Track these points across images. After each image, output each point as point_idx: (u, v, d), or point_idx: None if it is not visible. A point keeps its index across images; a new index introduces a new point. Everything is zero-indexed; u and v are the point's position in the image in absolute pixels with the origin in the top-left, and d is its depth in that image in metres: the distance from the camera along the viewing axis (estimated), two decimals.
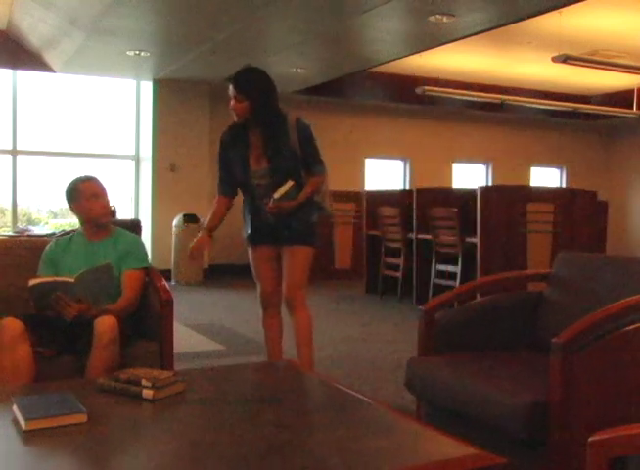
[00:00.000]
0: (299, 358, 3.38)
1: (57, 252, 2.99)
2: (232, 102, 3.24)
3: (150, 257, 9.32)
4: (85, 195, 2.95)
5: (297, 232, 3.34)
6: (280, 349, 3.54)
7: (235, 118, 3.29)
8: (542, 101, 10.19)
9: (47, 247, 3.06)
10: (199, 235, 3.52)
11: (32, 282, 2.65)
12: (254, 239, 3.46)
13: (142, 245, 3.09)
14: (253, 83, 3.24)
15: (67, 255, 2.94)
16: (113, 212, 8.03)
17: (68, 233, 3.19)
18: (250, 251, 3.51)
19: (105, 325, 2.58)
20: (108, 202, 3.03)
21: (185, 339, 5.05)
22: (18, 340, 2.57)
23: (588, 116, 11.20)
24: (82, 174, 3.07)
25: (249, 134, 3.31)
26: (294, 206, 3.27)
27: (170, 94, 9.10)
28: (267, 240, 3.41)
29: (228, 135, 3.40)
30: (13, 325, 2.59)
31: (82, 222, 3.06)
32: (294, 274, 3.37)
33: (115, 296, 2.85)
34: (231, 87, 3.23)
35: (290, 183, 3.22)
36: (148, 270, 3.03)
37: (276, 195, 3.20)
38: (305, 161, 3.31)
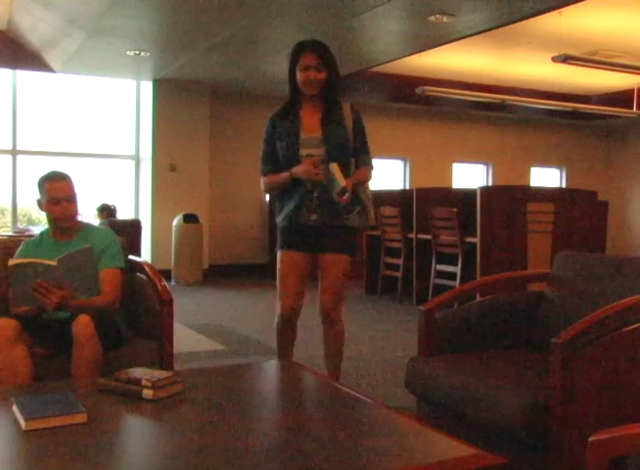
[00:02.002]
0: (328, 368, 3.28)
1: (27, 253, 2.88)
2: (311, 72, 3.01)
3: (150, 257, 9.32)
4: (47, 196, 2.83)
5: (339, 238, 3.11)
6: (291, 349, 3.42)
7: (306, 90, 3.06)
8: (542, 101, 10.19)
9: (17, 250, 2.96)
10: (298, 168, 3.05)
11: (13, 261, 2.59)
12: (289, 242, 3.18)
13: (116, 241, 2.96)
14: (332, 55, 3.11)
15: (38, 256, 2.80)
16: (112, 212, 8.08)
17: (34, 236, 3.08)
18: (279, 254, 3.22)
19: (80, 325, 2.57)
20: (71, 205, 2.86)
21: (185, 339, 5.05)
22: (14, 340, 2.56)
23: (588, 116, 11.19)
24: (54, 170, 2.92)
25: (299, 111, 3.13)
26: (353, 184, 3.00)
27: (170, 94, 9.10)
28: (303, 246, 3.16)
29: (277, 113, 3.20)
30: (9, 325, 2.58)
31: (48, 221, 2.95)
32: (335, 286, 3.13)
33: (95, 294, 2.78)
34: (310, 56, 3.02)
35: (335, 166, 2.98)
36: (124, 269, 2.94)
37: (331, 168, 2.95)
38: (356, 150, 3.13)
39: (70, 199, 2.86)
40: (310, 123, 3.09)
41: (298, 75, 3.05)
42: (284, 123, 3.13)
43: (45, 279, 2.56)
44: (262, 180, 3.24)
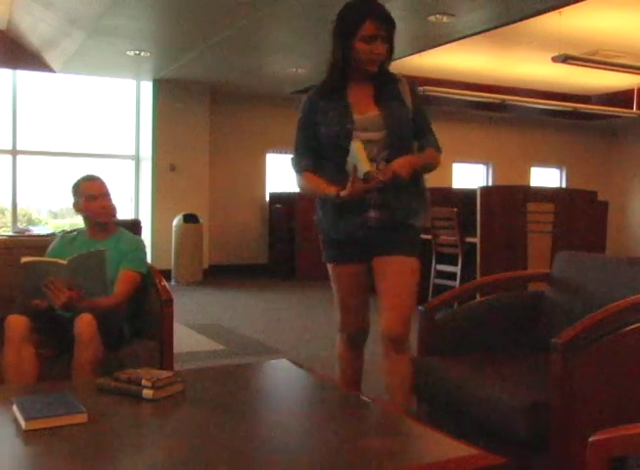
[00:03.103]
0: (392, 401, 2.50)
1: (61, 247, 3.01)
2: (378, 45, 2.39)
3: (150, 257, 9.35)
4: (84, 195, 2.98)
5: (403, 237, 2.47)
6: (358, 382, 2.76)
7: (367, 67, 2.43)
8: (542, 101, 10.19)
9: (52, 242, 3.09)
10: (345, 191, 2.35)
11: (25, 259, 2.65)
12: (340, 254, 2.56)
13: (143, 248, 3.08)
14: (394, 22, 2.46)
15: (69, 251, 2.93)
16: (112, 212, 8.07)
17: (73, 231, 3.19)
18: (329, 268, 2.65)
19: (83, 323, 2.59)
20: (109, 202, 3.03)
21: (185, 339, 5.05)
22: (24, 338, 2.59)
23: (588, 116, 11.19)
24: (88, 173, 3.11)
25: (347, 91, 2.49)
26: (416, 165, 2.40)
27: (170, 94, 9.10)
28: (359, 256, 2.54)
29: (319, 93, 2.53)
30: (20, 322, 2.62)
31: (84, 220, 3.09)
32: (403, 299, 2.43)
33: (109, 294, 2.83)
34: (377, 24, 2.38)
35: (359, 145, 2.42)
36: (144, 276, 3.00)
37: (354, 147, 2.37)
38: (418, 130, 2.52)
39: (107, 196, 3.02)
40: (363, 102, 2.46)
41: (360, 47, 2.38)
42: (330, 104, 2.48)
43: (57, 277, 2.60)
44: (298, 178, 2.59)
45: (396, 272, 2.44)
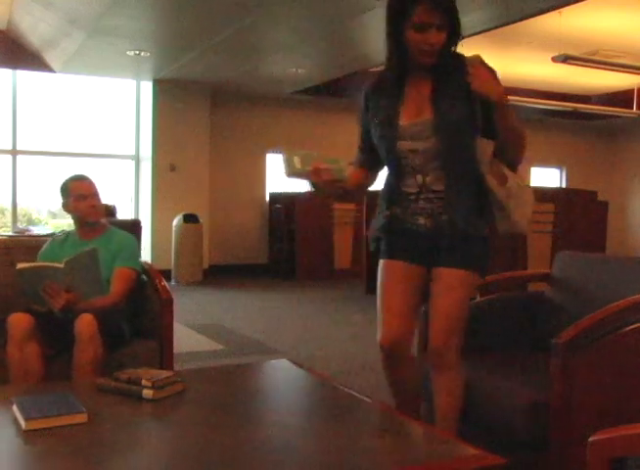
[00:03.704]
0: (439, 425, 2.23)
1: (52, 251, 3.00)
2: (431, 34, 2.08)
3: (150, 257, 9.32)
4: (73, 194, 2.98)
5: (461, 248, 2.20)
6: (408, 390, 2.38)
7: (421, 59, 2.13)
8: (542, 101, 10.19)
9: (43, 246, 3.07)
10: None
11: (20, 266, 2.65)
12: (391, 248, 2.34)
13: (135, 245, 3.07)
14: (454, 7, 2.13)
15: (61, 253, 2.92)
16: (112, 212, 8.09)
17: (62, 233, 3.19)
18: (380, 265, 2.41)
19: (83, 323, 2.59)
20: (97, 202, 3.01)
21: (185, 339, 5.05)
22: (28, 336, 2.59)
23: (588, 116, 11.19)
24: (76, 173, 3.09)
25: (404, 85, 2.22)
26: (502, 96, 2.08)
27: (170, 94, 9.10)
28: (412, 255, 2.29)
29: (373, 86, 2.31)
30: (24, 320, 2.62)
31: (74, 221, 3.07)
32: (449, 315, 2.20)
33: (105, 293, 2.83)
34: (429, 10, 2.05)
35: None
36: (138, 272, 3.00)
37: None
38: (489, 123, 2.14)
39: (95, 196, 3.00)
40: (415, 103, 2.19)
41: (411, 37, 2.10)
42: (382, 99, 2.25)
43: (54, 281, 2.60)
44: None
45: (445, 287, 2.22)
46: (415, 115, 2.18)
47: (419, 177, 2.20)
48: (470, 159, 2.16)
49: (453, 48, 2.19)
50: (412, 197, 2.24)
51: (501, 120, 2.11)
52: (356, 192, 2.53)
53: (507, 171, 2.18)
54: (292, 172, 2.15)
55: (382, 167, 2.37)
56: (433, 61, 2.14)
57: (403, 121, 2.18)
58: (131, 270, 2.94)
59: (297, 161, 2.14)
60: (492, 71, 2.18)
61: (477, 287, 2.35)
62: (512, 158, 2.19)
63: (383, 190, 2.35)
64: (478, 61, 2.18)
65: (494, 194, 2.17)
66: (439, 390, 2.24)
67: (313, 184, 2.19)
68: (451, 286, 2.21)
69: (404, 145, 2.19)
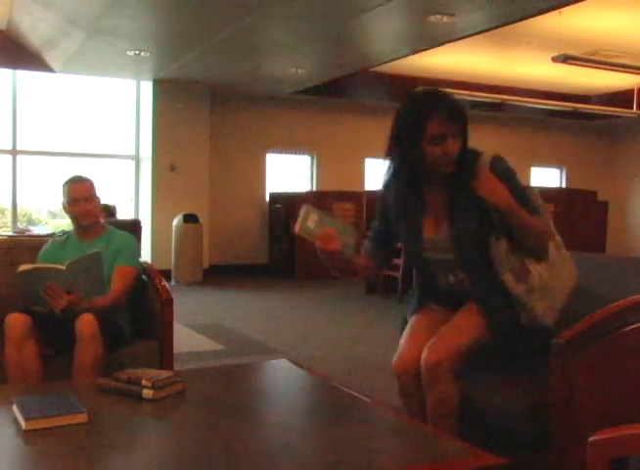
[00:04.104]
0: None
1: (54, 252, 3.00)
2: (449, 144, 2.12)
3: (150, 257, 9.32)
4: (69, 197, 2.98)
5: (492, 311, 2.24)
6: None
7: (441, 169, 2.16)
8: (542, 101, 10.19)
9: (43, 247, 3.07)
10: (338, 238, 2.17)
11: (22, 268, 2.66)
12: (423, 301, 2.42)
13: (135, 244, 3.08)
14: (462, 109, 2.21)
15: (63, 255, 2.93)
16: (112, 212, 8.10)
17: (63, 234, 3.19)
18: (413, 318, 2.43)
19: (84, 322, 2.60)
20: (91, 205, 2.99)
21: (185, 339, 5.05)
22: (26, 335, 2.59)
23: (588, 116, 11.19)
24: (76, 174, 3.09)
25: (424, 191, 2.26)
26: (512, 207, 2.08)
27: (170, 94, 9.10)
28: (443, 301, 2.38)
29: (392, 195, 2.32)
30: (21, 320, 2.62)
31: (72, 221, 3.08)
32: (450, 339, 2.19)
33: (106, 292, 2.84)
34: (444, 122, 2.11)
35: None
36: (138, 271, 3.00)
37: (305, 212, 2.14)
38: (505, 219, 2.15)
39: (89, 199, 2.98)
40: (435, 217, 2.26)
41: (428, 150, 2.12)
42: (402, 209, 2.30)
43: (55, 282, 2.61)
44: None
45: (461, 317, 2.26)
46: (435, 229, 2.26)
47: (450, 277, 2.30)
48: (490, 260, 2.19)
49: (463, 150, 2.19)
50: (446, 289, 2.33)
51: (513, 223, 2.12)
52: (359, 276, 2.52)
53: (530, 263, 2.18)
54: (302, 229, 2.15)
55: (389, 263, 2.47)
56: (451, 169, 2.16)
57: (426, 235, 2.26)
58: (132, 268, 2.94)
59: (311, 220, 2.16)
60: (506, 172, 2.19)
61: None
62: (533, 250, 2.19)
63: (415, 284, 2.44)
64: (487, 165, 2.15)
65: (512, 292, 2.17)
66: (429, 406, 2.20)
67: (319, 248, 2.19)
68: (467, 321, 2.24)
69: (430, 254, 2.28)
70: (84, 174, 3.11)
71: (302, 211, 2.14)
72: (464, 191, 2.16)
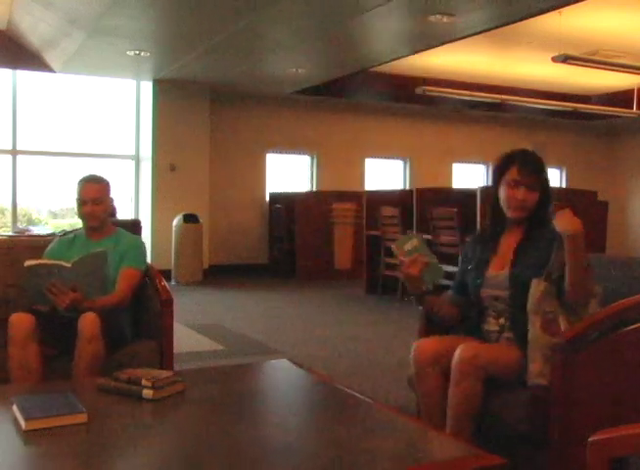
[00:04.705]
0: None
1: (59, 250, 3.01)
2: (519, 191, 2.39)
3: (150, 257, 9.34)
4: (78, 196, 3.00)
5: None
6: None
7: (508, 212, 2.43)
8: (542, 101, 10.20)
9: (50, 245, 3.08)
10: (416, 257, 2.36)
11: (29, 263, 2.66)
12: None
13: (142, 247, 3.09)
14: (544, 168, 2.51)
15: (69, 252, 2.94)
16: (112, 212, 8.10)
17: (70, 232, 3.19)
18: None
19: (86, 321, 2.60)
20: (97, 208, 2.98)
21: (185, 339, 5.05)
22: (29, 335, 2.59)
23: (588, 116, 11.19)
24: (91, 174, 3.09)
25: (500, 238, 2.50)
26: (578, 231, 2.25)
27: (170, 94, 9.10)
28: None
29: (478, 237, 2.65)
30: (25, 319, 2.62)
31: (82, 220, 3.09)
32: (495, 349, 2.36)
33: (108, 292, 2.84)
34: (519, 170, 2.40)
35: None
36: (144, 273, 3.01)
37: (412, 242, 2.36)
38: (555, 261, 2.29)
39: (96, 201, 2.98)
40: (502, 256, 2.46)
41: (503, 192, 2.43)
42: (479, 250, 2.54)
43: (60, 279, 2.61)
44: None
45: (502, 345, 2.38)
46: (499, 267, 2.44)
47: (501, 320, 2.42)
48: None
49: (544, 211, 2.43)
50: (493, 335, 2.42)
51: (570, 253, 2.21)
52: (446, 323, 2.60)
53: (563, 321, 2.22)
54: (398, 246, 2.39)
55: (472, 312, 2.51)
56: (519, 215, 2.41)
57: (490, 271, 2.44)
58: (135, 270, 2.95)
59: (410, 243, 2.37)
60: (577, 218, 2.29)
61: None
62: (576, 289, 2.22)
63: (465, 324, 2.54)
64: (565, 210, 2.27)
65: (531, 333, 2.22)
66: (450, 397, 2.27)
67: (400, 268, 2.39)
68: (511, 350, 2.33)
69: (487, 292, 2.43)
70: (99, 175, 3.08)
71: (408, 233, 2.35)
72: (536, 237, 2.40)
